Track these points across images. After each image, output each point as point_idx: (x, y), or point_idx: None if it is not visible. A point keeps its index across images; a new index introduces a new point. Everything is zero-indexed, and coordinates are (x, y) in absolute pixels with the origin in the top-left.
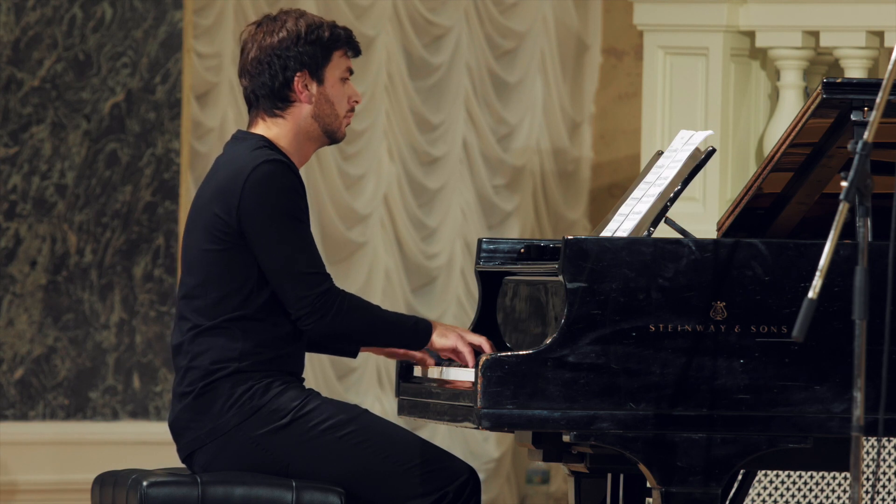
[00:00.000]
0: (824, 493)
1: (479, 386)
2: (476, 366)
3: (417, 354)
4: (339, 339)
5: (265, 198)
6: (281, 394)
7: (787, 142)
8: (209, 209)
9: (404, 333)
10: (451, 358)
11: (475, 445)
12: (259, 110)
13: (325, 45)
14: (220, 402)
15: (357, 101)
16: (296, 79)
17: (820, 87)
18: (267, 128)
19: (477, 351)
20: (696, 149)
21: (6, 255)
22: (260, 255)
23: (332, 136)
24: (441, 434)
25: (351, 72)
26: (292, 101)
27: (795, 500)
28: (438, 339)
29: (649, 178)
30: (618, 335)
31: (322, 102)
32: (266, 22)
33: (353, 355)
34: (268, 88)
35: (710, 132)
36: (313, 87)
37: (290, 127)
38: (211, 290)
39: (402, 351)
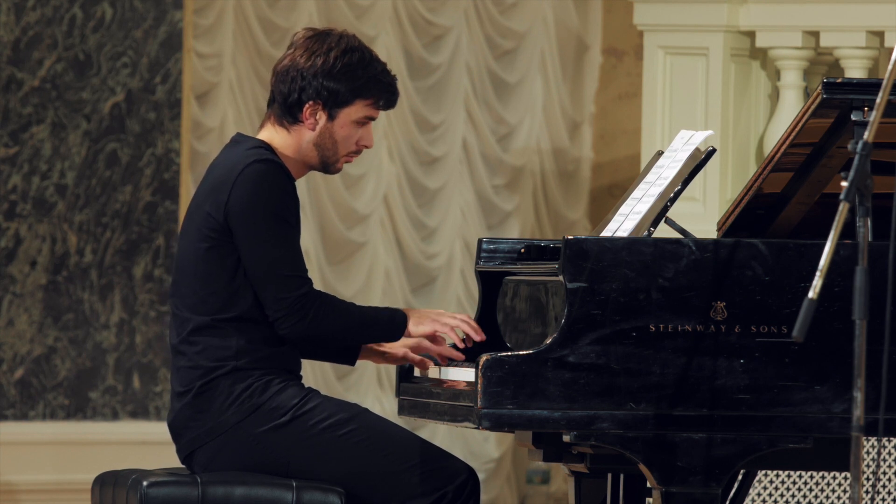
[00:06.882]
0: (824, 493)
1: (479, 386)
2: (476, 366)
3: (416, 357)
4: (315, 343)
5: (254, 195)
6: (280, 391)
7: (787, 142)
8: (202, 209)
9: (380, 328)
10: (430, 350)
11: (475, 445)
12: (272, 113)
13: (353, 89)
14: (220, 400)
15: (367, 146)
16: (307, 105)
17: (820, 87)
18: (273, 132)
19: (477, 344)
20: (697, 149)
21: (6, 255)
22: (243, 253)
23: (326, 169)
24: (441, 434)
25: (372, 119)
26: (300, 121)
27: (795, 500)
28: (415, 328)
29: (649, 178)
30: (618, 335)
31: (326, 136)
32: (316, 38)
33: (352, 363)
34: (283, 98)
35: (710, 132)
36: (322, 120)
37: (293, 142)
38: (199, 287)
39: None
